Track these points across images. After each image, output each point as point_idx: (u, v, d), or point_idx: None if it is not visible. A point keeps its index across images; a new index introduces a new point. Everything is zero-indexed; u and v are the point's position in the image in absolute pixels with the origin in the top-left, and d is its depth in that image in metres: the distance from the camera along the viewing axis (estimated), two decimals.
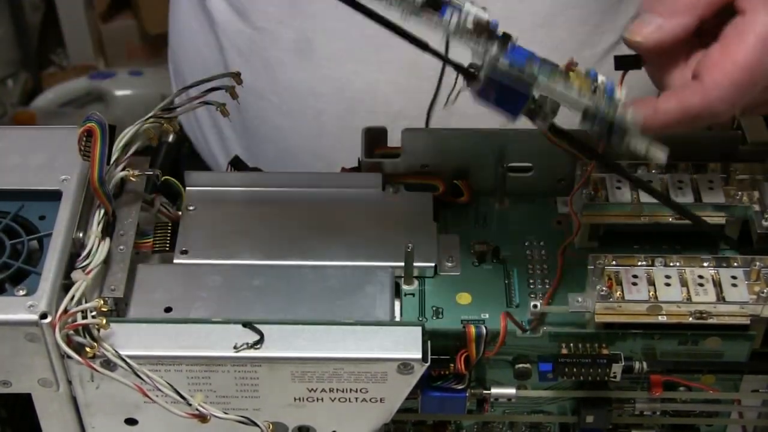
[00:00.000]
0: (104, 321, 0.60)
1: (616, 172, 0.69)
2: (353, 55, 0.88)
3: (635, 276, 0.65)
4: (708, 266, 0.66)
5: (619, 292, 0.65)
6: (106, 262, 0.65)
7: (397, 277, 0.69)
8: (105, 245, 0.65)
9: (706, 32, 0.62)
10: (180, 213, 0.72)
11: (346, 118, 0.90)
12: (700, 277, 0.65)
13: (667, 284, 0.65)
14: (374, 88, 0.89)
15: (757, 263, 0.65)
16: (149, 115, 0.69)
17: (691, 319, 0.65)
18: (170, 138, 0.71)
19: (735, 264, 0.66)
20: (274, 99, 0.93)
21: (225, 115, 0.70)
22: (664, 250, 0.71)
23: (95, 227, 0.65)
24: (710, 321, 0.65)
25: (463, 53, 0.59)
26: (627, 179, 0.69)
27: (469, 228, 0.74)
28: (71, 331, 0.60)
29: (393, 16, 0.58)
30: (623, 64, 0.64)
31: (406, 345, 0.62)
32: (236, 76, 0.69)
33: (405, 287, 0.69)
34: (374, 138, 0.74)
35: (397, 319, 0.67)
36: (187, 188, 0.73)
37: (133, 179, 0.68)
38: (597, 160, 0.69)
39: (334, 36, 0.88)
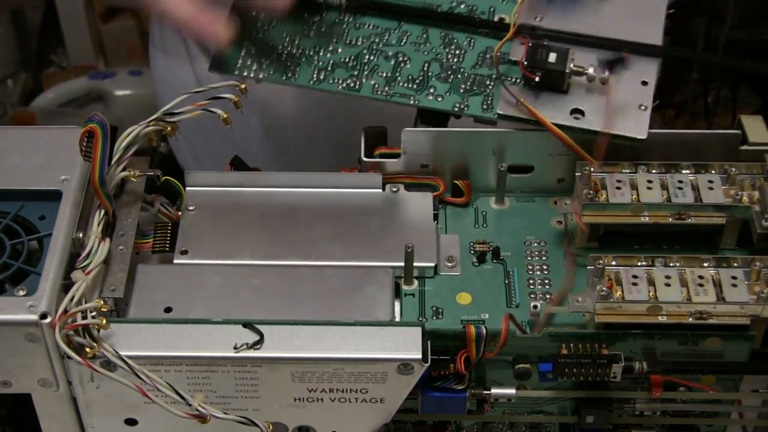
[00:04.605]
0: (104, 321, 0.61)
1: None
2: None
3: (635, 276, 0.65)
4: (708, 266, 0.66)
5: (619, 293, 0.65)
6: (106, 262, 0.65)
7: (397, 277, 0.69)
8: (105, 245, 0.65)
9: None
10: (180, 213, 0.72)
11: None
12: (700, 277, 0.65)
13: (667, 284, 0.65)
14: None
15: (757, 263, 0.65)
16: (152, 117, 0.69)
17: (691, 319, 0.65)
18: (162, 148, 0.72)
19: (735, 264, 0.66)
20: None
21: (227, 125, 0.70)
22: (664, 250, 0.71)
23: (95, 227, 0.65)
24: (710, 321, 0.65)
25: None
26: None
27: (469, 228, 0.74)
28: (71, 332, 0.60)
29: None
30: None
31: (406, 345, 0.62)
32: (241, 86, 0.69)
33: (405, 287, 0.69)
34: (374, 138, 0.74)
35: (397, 319, 0.67)
36: (187, 188, 0.73)
37: (134, 179, 0.68)
38: None
39: None
